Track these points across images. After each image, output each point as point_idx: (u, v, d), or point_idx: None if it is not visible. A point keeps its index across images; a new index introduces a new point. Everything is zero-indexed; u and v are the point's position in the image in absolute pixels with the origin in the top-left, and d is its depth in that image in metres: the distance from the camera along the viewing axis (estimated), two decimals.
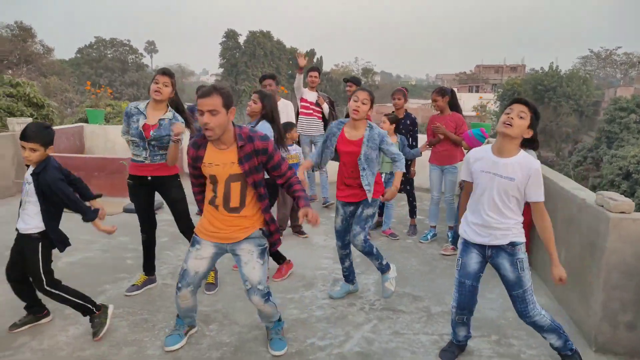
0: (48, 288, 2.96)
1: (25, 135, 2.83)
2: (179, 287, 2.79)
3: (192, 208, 3.86)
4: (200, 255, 2.78)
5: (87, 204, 3.08)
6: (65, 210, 3.07)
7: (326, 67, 56.81)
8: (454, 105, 5.12)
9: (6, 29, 37.08)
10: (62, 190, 2.90)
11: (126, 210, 5.88)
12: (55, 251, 3.06)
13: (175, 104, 3.69)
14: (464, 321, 2.85)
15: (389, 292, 3.60)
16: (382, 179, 4.71)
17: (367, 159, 3.41)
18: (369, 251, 3.47)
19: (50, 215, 2.95)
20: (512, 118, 2.51)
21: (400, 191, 5.46)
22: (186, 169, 2.93)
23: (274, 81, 5.65)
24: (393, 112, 5.45)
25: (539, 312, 2.69)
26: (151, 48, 68.75)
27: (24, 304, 3.17)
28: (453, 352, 2.95)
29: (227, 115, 2.55)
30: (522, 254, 2.65)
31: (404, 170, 3.61)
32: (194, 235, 2.85)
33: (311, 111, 6.27)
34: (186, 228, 3.71)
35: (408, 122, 5.44)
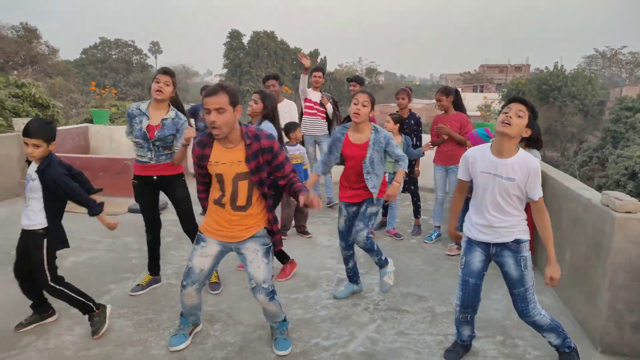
0: (52, 284, 2.98)
1: (27, 132, 2.84)
2: (184, 285, 2.80)
3: (197, 208, 3.88)
4: (205, 253, 2.78)
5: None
6: (67, 210, 3.09)
7: (330, 68, 56.81)
8: (458, 105, 5.11)
9: (12, 30, 37.31)
10: (67, 185, 2.93)
11: (131, 211, 5.90)
12: (60, 251, 3.08)
13: (175, 103, 3.69)
14: (467, 320, 2.85)
15: (388, 287, 3.61)
16: (386, 179, 4.71)
17: (371, 163, 3.42)
18: (370, 248, 3.47)
19: (54, 211, 2.98)
20: (510, 117, 2.50)
21: (404, 191, 5.47)
22: (190, 169, 2.93)
23: (277, 81, 5.66)
24: (397, 111, 5.45)
25: (539, 312, 2.70)
26: (155, 49, 68.91)
27: (29, 304, 3.18)
28: (458, 352, 2.94)
29: (234, 113, 2.55)
30: (526, 252, 2.65)
31: (406, 170, 3.61)
32: (198, 233, 2.85)
33: (315, 111, 6.27)
34: (191, 228, 3.72)
35: (412, 122, 5.44)
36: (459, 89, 5.61)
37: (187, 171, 4.71)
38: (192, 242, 3.33)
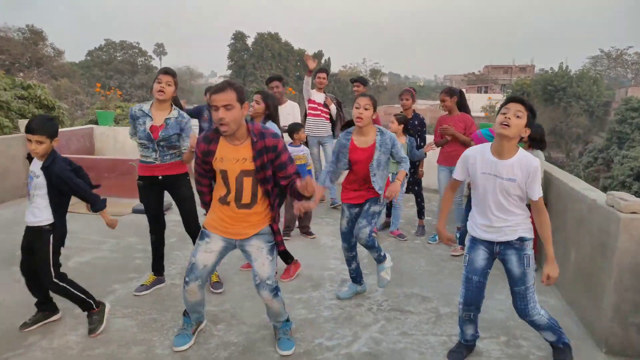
0: (55, 281, 3.00)
1: (30, 128, 2.86)
2: (187, 282, 2.79)
3: (200, 210, 3.88)
4: (209, 249, 2.78)
5: None
6: (71, 211, 3.11)
7: (334, 69, 56.80)
8: (463, 106, 5.10)
9: (18, 32, 37.55)
10: (72, 180, 2.96)
11: (135, 211, 5.92)
12: (64, 252, 3.10)
13: (175, 102, 3.71)
14: (471, 318, 2.84)
15: (385, 282, 3.61)
16: (390, 179, 4.70)
17: (378, 165, 3.44)
18: (371, 245, 3.47)
19: (60, 207, 3.01)
20: (509, 118, 2.50)
21: (408, 192, 5.46)
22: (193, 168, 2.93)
23: (280, 83, 5.67)
24: (401, 112, 5.45)
25: (538, 312, 2.71)
26: (160, 50, 69.18)
27: (34, 303, 3.20)
28: (461, 352, 2.93)
29: (242, 110, 2.56)
30: (529, 250, 2.66)
31: (407, 172, 3.62)
32: (202, 229, 2.85)
33: (319, 112, 6.28)
34: (194, 228, 3.72)
35: (416, 122, 5.44)
36: (464, 90, 5.59)
37: (191, 171, 4.72)
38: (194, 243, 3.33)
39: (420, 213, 5.52)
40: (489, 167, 2.60)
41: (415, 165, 5.40)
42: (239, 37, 54.97)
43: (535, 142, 4.22)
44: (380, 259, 3.59)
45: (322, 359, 2.92)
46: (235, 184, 2.68)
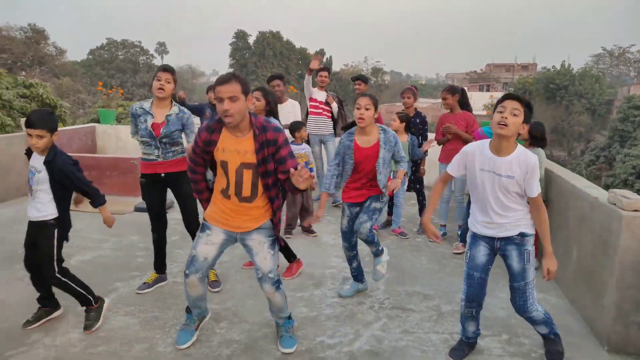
0: (58, 275, 3.02)
1: (30, 123, 2.86)
2: (187, 274, 2.77)
3: (201, 209, 3.89)
4: (210, 241, 2.78)
5: None
6: (72, 209, 3.12)
7: (335, 67, 56.79)
8: (465, 104, 5.10)
9: (20, 31, 37.61)
10: (74, 174, 2.98)
11: (137, 210, 5.93)
12: (67, 250, 3.11)
13: (173, 98, 3.72)
14: (472, 314, 2.85)
15: (380, 275, 3.62)
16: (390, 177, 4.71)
17: (384, 162, 3.45)
18: (371, 240, 3.48)
19: (63, 201, 3.03)
20: (505, 118, 2.49)
21: (409, 190, 5.47)
22: None
23: (282, 81, 5.68)
24: (403, 110, 5.45)
25: (537, 308, 2.73)
26: (162, 49, 69.17)
27: (36, 299, 3.22)
28: (463, 350, 2.94)
29: (246, 102, 2.56)
30: (530, 246, 2.67)
31: (406, 170, 3.63)
32: (203, 221, 2.84)
33: (320, 110, 6.28)
34: (194, 226, 3.73)
35: (418, 120, 5.44)
36: (465, 88, 5.59)
37: None
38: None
39: (422, 211, 5.51)
40: (488, 164, 2.61)
41: (417, 164, 5.40)
42: (241, 35, 54.98)
43: (536, 140, 4.22)
44: (378, 253, 3.60)
45: (323, 356, 2.93)
46: (235, 176, 2.67)
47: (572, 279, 3.70)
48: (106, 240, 4.91)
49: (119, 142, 8.60)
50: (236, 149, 2.64)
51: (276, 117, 4.03)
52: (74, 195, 3.19)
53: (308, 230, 5.26)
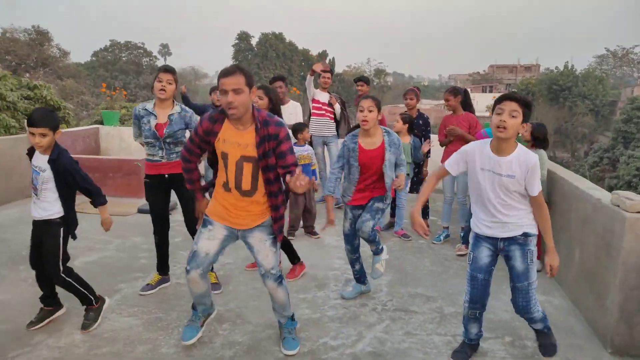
0: (63, 275, 3.04)
1: (33, 121, 2.87)
2: (188, 270, 2.75)
3: None
4: (212, 236, 2.77)
5: None
6: (77, 211, 3.13)
7: (338, 69, 56.75)
8: (467, 105, 5.09)
9: (24, 33, 37.76)
10: (78, 173, 3.00)
11: (141, 211, 5.95)
12: (71, 252, 3.13)
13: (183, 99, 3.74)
14: (476, 316, 2.85)
15: (379, 273, 3.62)
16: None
17: (390, 165, 3.46)
18: (373, 239, 3.48)
19: (69, 199, 3.04)
20: (504, 121, 2.49)
21: (412, 192, 5.47)
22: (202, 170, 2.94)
23: (283, 83, 5.70)
24: (406, 112, 5.45)
25: (538, 309, 2.73)
26: (165, 51, 69.41)
27: (38, 298, 3.23)
28: (465, 352, 2.93)
29: (250, 95, 2.55)
30: (533, 246, 2.68)
31: (405, 172, 3.64)
32: (205, 216, 2.83)
33: (323, 112, 6.28)
34: (195, 228, 3.73)
35: (420, 122, 5.44)
36: (468, 89, 5.59)
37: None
38: None
39: (425, 213, 5.51)
40: (488, 164, 2.61)
41: (420, 165, 5.40)
42: (244, 37, 55.05)
43: (538, 141, 4.23)
44: (377, 252, 3.60)
45: (326, 358, 2.93)
46: (235, 169, 2.66)
47: (575, 281, 3.69)
48: (110, 241, 4.93)
49: (122, 143, 8.63)
50: (237, 142, 2.63)
51: (279, 115, 4.02)
52: None
53: (311, 232, 5.27)
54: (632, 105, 28.35)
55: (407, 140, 5.13)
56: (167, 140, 3.56)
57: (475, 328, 2.91)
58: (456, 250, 4.85)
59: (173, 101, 3.66)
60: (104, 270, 4.19)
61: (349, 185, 3.56)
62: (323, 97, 6.30)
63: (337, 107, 6.32)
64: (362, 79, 6.38)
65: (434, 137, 5.56)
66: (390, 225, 5.57)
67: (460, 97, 5.02)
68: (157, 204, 3.72)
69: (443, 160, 5.17)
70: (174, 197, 3.79)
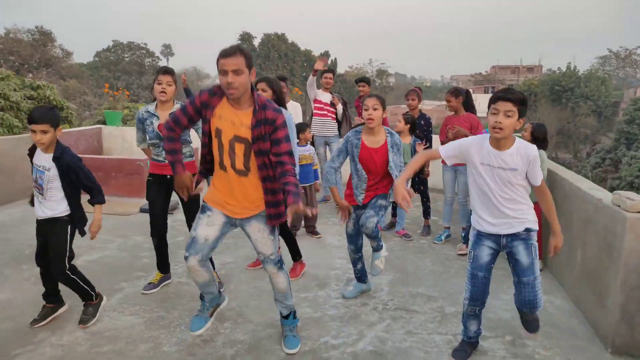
0: (68, 272, 3.05)
1: (34, 119, 2.88)
2: (187, 257, 2.71)
3: None
4: (211, 222, 2.75)
5: None
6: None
7: (340, 69, 56.76)
8: (469, 106, 5.10)
9: (27, 33, 37.86)
10: (82, 170, 3.01)
11: (142, 210, 5.96)
12: (74, 251, 3.15)
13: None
14: (476, 313, 2.86)
15: (378, 270, 3.63)
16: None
17: (395, 165, 3.48)
18: (375, 235, 3.49)
19: (74, 197, 3.06)
20: (500, 122, 2.50)
21: (413, 191, 5.47)
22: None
23: (284, 83, 5.70)
24: (408, 112, 5.46)
25: (542, 303, 2.76)
26: (167, 51, 69.55)
27: (41, 295, 3.26)
28: (465, 350, 2.94)
29: (249, 76, 2.55)
30: (535, 241, 2.70)
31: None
32: (203, 203, 2.82)
33: (325, 112, 6.30)
34: None
35: (422, 122, 5.45)
36: (470, 90, 5.59)
37: None
38: None
39: (426, 213, 5.52)
40: (489, 159, 2.62)
41: (422, 166, 5.40)
42: (246, 37, 55.10)
43: (538, 141, 4.25)
44: (378, 248, 3.62)
45: (327, 357, 2.94)
46: (227, 146, 2.64)
47: (576, 281, 3.69)
48: (112, 240, 4.95)
49: (124, 143, 8.66)
50: (232, 120, 2.61)
51: (284, 105, 4.01)
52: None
53: (312, 232, 5.28)
54: (635, 106, 28.27)
55: (408, 140, 5.14)
56: None
57: (474, 325, 2.91)
58: (457, 250, 4.86)
59: (173, 101, 3.70)
60: (105, 269, 4.21)
61: (359, 182, 3.55)
62: (325, 97, 6.32)
63: (339, 107, 6.34)
64: (364, 80, 6.40)
65: (435, 138, 5.57)
66: (392, 225, 5.57)
67: (461, 98, 5.02)
68: (158, 203, 3.73)
69: (443, 161, 5.17)
70: (175, 197, 3.80)
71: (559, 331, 3.30)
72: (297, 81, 48.15)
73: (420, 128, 5.40)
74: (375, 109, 3.39)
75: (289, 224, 2.70)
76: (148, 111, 3.65)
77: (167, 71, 3.61)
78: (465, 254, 4.68)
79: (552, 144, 33.04)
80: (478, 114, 5.23)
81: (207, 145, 2.74)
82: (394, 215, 5.60)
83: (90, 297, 3.23)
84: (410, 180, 5.37)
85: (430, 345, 3.10)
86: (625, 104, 34.30)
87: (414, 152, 5.18)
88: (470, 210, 2.95)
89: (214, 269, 3.80)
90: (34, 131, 2.90)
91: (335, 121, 6.37)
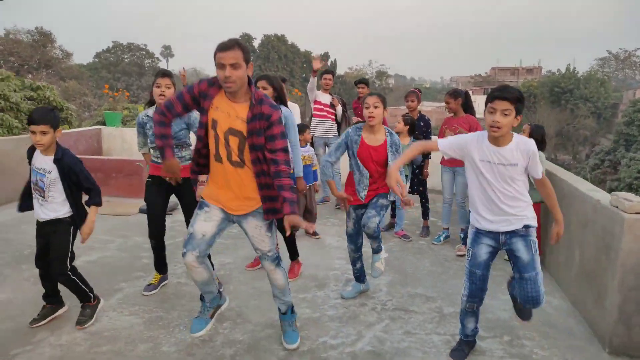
0: (69, 273, 3.07)
1: (33, 120, 2.88)
2: (184, 253, 2.70)
3: None
4: (209, 217, 2.75)
5: None
6: None
7: (340, 71, 56.83)
8: (469, 108, 5.12)
9: (27, 34, 37.88)
10: (82, 172, 3.02)
11: (142, 211, 5.96)
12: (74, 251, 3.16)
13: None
14: (474, 310, 2.87)
15: (379, 272, 3.64)
16: None
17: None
18: (377, 235, 3.50)
19: (77, 198, 3.07)
20: (497, 121, 2.51)
21: (412, 192, 5.48)
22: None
23: (284, 85, 5.72)
24: (407, 113, 5.48)
25: (545, 299, 2.75)
26: (167, 52, 69.57)
27: (41, 296, 3.26)
28: (463, 350, 2.95)
29: (247, 70, 2.55)
30: (534, 237, 2.71)
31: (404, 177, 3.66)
32: (200, 199, 2.82)
33: (325, 113, 6.32)
34: None
35: (421, 123, 5.46)
36: (470, 92, 5.61)
37: None
38: None
39: (425, 214, 5.53)
40: (488, 155, 2.63)
41: (421, 167, 5.42)
42: (246, 39, 55.11)
43: (536, 142, 4.25)
44: (378, 250, 3.63)
45: (326, 357, 2.95)
46: (222, 138, 2.64)
47: (574, 281, 3.70)
48: (112, 241, 4.95)
49: (124, 144, 8.67)
50: (227, 112, 2.61)
51: (285, 103, 4.00)
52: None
53: (311, 233, 5.28)
54: (634, 108, 28.34)
55: (406, 141, 5.15)
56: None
57: (472, 323, 2.92)
58: (456, 250, 4.87)
59: None
60: (105, 270, 4.21)
61: (361, 177, 3.53)
62: (325, 98, 6.34)
63: (339, 108, 6.35)
64: (363, 81, 6.42)
65: (434, 139, 5.57)
66: (391, 226, 5.58)
67: (460, 100, 5.04)
68: (156, 204, 3.73)
69: (442, 162, 5.20)
70: (174, 198, 3.81)
71: (556, 331, 3.31)
72: (296, 82, 48.19)
73: (419, 129, 5.41)
74: (376, 107, 3.40)
75: (287, 233, 2.69)
76: (148, 115, 3.66)
77: (165, 74, 3.61)
78: (464, 255, 4.69)
79: (551, 145, 33.07)
80: (477, 116, 5.24)
81: (202, 138, 2.73)
82: (393, 216, 5.61)
83: (88, 298, 3.24)
84: (410, 182, 5.40)
85: (428, 345, 3.11)
86: (625, 106, 34.37)
87: None
88: (469, 211, 2.95)
89: (213, 269, 3.82)
90: (33, 132, 2.91)
91: (334, 122, 6.39)
